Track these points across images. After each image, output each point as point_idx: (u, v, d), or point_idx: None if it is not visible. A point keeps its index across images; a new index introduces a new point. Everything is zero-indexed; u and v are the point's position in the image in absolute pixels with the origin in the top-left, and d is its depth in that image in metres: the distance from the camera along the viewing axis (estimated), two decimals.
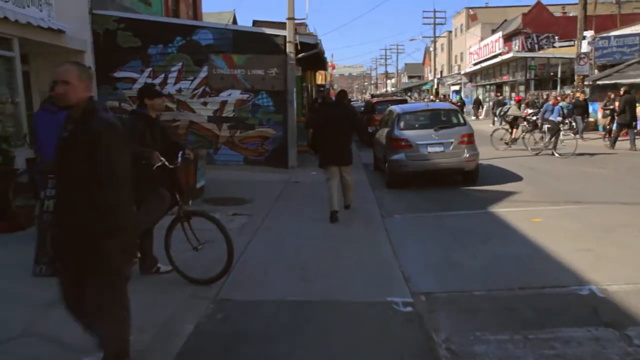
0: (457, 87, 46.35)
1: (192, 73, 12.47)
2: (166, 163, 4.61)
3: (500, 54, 35.15)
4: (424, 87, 55.88)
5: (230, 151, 12.67)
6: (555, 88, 29.27)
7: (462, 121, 10.53)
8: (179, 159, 4.84)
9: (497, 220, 7.34)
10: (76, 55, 10.94)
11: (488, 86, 37.80)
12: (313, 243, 6.22)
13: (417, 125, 10.59)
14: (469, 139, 10.04)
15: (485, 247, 6.07)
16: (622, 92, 15.52)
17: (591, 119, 20.31)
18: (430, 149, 9.90)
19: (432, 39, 49.62)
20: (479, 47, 41.74)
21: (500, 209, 7.96)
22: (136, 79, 12.54)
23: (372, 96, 50.34)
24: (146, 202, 4.62)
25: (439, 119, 10.68)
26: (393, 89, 73.33)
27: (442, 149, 9.90)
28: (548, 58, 29.79)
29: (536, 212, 7.68)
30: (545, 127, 14.56)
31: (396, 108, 11.23)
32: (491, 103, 31.53)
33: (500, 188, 9.75)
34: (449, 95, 44.67)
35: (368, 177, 11.31)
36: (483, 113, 33.64)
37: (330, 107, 8.36)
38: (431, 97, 42.34)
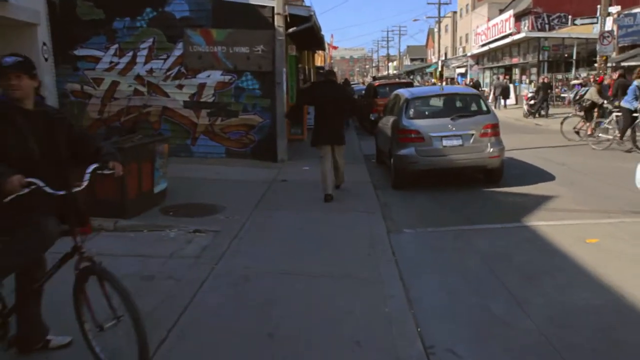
0: (462, 70, 44.16)
1: (165, 51, 10.61)
2: (46, 189, 2.76)
3: (510, 34, 33.00)
4: (427, 70, 53.61)
5: (210, 142, 10.84)
6: (569, 70, 27.42)
7: (484, 108, 8.68)
8: (86, 179, 2.96)
9: (541, 241, 5.59)
10: (27, 29, 9.22)
11: (496, 69, 35.68)
12: (292, 283, 4.43)
13: (429, 114, 8.80)
14: (493, 131, 8.25)
15: (536, 289, 4.31)
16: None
17: None
18: (445, 143, 8.11)
19: (436, 19, 47.38)
20: (487, 27, 39.51)
21: (540, 223, 6.20)
22: (100, 57, 10.73)
23: (374, 79, 48.17)
24: (16, 235, 2.86)
25: (456, 106, 8.87)
26: (395, 71, 70.97)
27: (460, 142, 8.12)
28: (563, 38, 27.76)
29: (588, 228, 5.93)
30: (614, 115, 11.88)
31: (404, 92, 9.35)
32: (494, 87, 29.53)
33: (530, 190, 7.99)
34: (455, 78, 42.50)
35: (370, 174, 9.52)
36: (490, 97, 31.67)
37: (323, 86, 8.04)
38: (433, 80, 40.18)
